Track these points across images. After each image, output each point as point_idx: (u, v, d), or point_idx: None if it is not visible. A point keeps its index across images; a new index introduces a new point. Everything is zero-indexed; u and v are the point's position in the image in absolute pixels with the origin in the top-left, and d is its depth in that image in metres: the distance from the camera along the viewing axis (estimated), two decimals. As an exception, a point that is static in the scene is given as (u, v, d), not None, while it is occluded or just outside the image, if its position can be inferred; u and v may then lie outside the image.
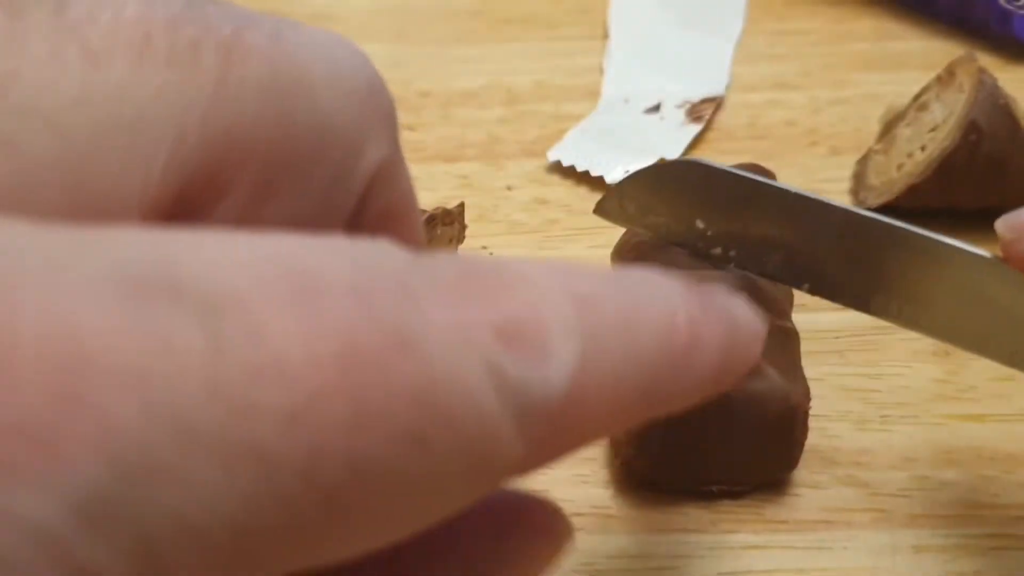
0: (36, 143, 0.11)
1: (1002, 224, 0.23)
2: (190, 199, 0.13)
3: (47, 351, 0.09)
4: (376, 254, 0.12)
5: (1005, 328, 0.23)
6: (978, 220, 0.33)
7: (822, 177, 0.36)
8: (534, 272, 0.13)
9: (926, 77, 0.35)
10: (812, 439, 0.26)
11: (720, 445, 0.25)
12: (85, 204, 0.11)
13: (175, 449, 0.09)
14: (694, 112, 0.39)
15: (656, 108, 0.39)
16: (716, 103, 0.39)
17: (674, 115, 0.39)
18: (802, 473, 0.26)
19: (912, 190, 0.32)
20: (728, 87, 0.40)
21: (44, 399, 0.09)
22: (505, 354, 0.12)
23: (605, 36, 0.43)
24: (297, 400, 0.10)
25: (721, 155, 0.37)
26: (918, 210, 0.33)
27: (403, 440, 0.11)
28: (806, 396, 0.25)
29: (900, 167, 0.33)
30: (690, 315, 0.15)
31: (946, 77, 0.34)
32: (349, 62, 0.14)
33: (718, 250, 0.25)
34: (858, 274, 0.24)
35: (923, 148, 0.33)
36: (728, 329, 0.17)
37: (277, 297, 0.10)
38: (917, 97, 0.35)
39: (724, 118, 0.39)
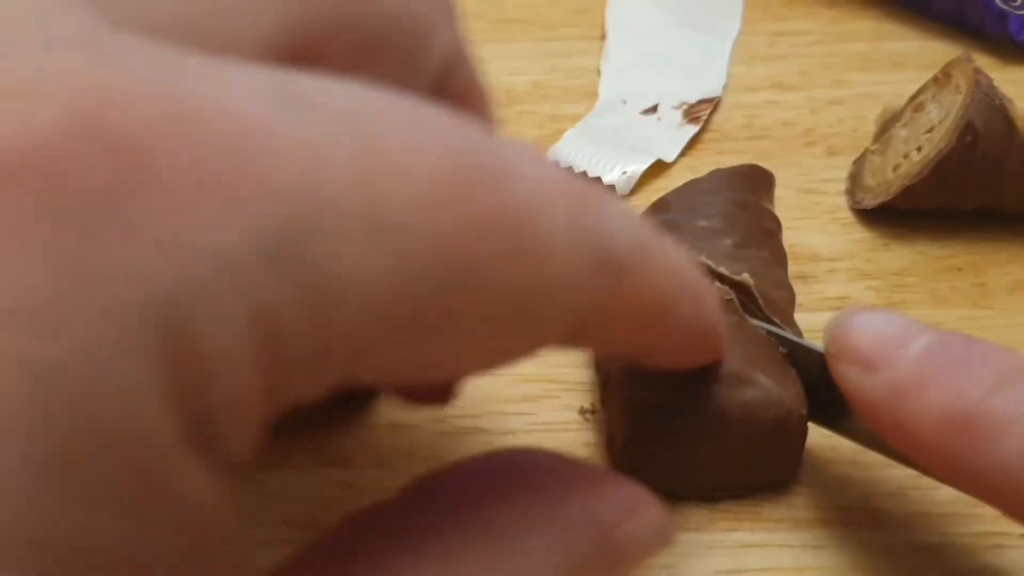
0: None
1: (829, 332, 0.23)
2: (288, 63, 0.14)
3: (228, 121, 0.11)
4: (463, 119, 0.14)
5: None
6: (973, 221, 0.33)
7: (819, 177, 0.36)
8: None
9: (923, 78, 0.35)
10: (810, 438, 0.26)
11: (718, 456, 0.25)
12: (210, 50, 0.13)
13: (331, 217, 0.11)
14: (691, 113, 0.39)
15: (653, 109, 0.39)
16: (713, 104, 0.39)
17: (671, 116, 0.39)
18: (799, 472, 0.26)
19: (908, 191, 0.32)
20: (725, 88, 0.41)
21: (227, 156, 0.11)
22: (583, 211, 0.14)
23: (603, 37, 0.44)
24: (424, 197, 0.12)
25: (719, 156, 0.37)
26: (914, 211, 0.33)
27: (507, 253, 0.13)
28: (801, 400, 0.25)
29: (896, 168, 0.33)
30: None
31: (942, 78, 0.34)
32: None
33: None
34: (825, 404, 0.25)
35: (919, 149, 0.33)
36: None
37: (397, 118, 0.12)
38: (913, 98, 0.35)
39: (721, 119, 0.39)
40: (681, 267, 0.18)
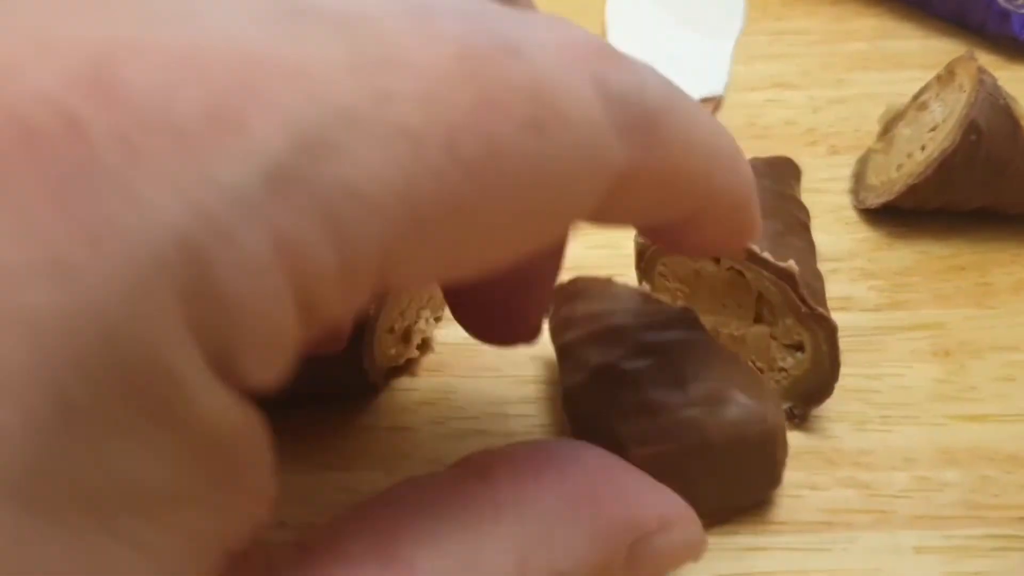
0: None
1: None
2: None
3: (227, 56, 0.11)
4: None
5: None
6: (977, 220, 0.33)
7: (821, 177, 0.36)
8: None
9: (926, 76, 0.35)
10: (812, 439, 0.26)
11: (703, 478, 0.24)
12: None
13: (338, 128, 0.11)
14: (693, 112, 0.39)
15: (655, 108, 0.39)
16: (715, 103, 0.39)
17: (673, 115, 0.39)
18: (802, 474, 0.26)
19: (912, 190, 0.32)
20: (727, 86, 0.40)
21: (229, 90, 0.11)
22: (608, 68, 0.14)
23: (603, 36, 0.43)
24: (427, 85, 0.12)
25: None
26: (917, 210, 0.33)
27: (525, 125, 0.13)
28: (781, 414, 0.24)
29: (900, 167, 0.33)
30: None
31: (946, 77, 0.33)
32: None
33: None
34: None
35: (923, 148, 0.32)
36: None
37: (398, 17, 0.12)
38: (917, 97, 0.35)
39: (723, 117, 0.39)
40: (714, 129, 0.16)
